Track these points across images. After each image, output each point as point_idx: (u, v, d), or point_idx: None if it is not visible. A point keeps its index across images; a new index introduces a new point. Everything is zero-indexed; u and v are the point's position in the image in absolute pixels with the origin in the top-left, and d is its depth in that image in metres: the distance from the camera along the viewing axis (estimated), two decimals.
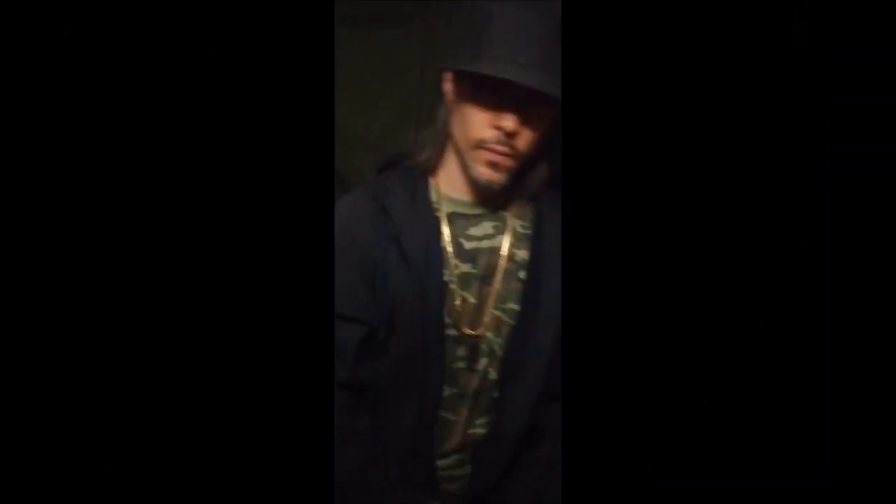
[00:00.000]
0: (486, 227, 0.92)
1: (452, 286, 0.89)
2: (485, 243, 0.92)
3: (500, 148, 0.84)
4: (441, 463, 0.92)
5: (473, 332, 0.89)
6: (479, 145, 0.85)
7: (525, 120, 0.84)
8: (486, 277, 0.91)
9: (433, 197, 0.93)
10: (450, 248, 0.90)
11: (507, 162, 0.86)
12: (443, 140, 0.91)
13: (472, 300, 0.90)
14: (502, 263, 0.91)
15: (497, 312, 0.90)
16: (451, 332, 0.89)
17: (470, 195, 0.93)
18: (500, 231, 0.92)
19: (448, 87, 0.89)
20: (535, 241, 0.92)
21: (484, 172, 0.86)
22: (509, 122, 0.82)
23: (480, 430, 0.92)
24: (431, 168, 0.94)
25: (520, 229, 0.93)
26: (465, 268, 0.90)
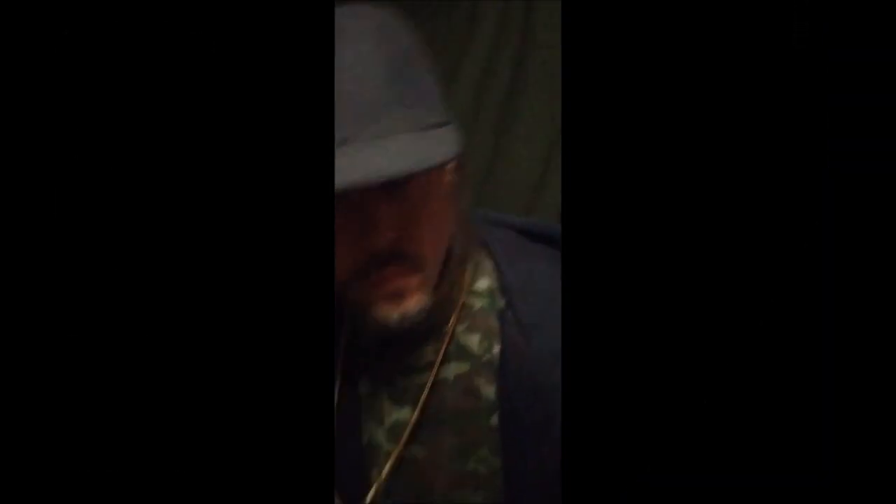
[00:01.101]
0: (429, 352, 0.66)
1: (378, 443, 0.64)
2: (430, 376, 0.65)
3: (388, 271, 0.61)
4: None
5: None
6: (354, 279, 0.62)
7: (401, 208, 0.60)
8: (442, 425, 0.65)
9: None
10: (370, 397, 0.66)
11: (412, 282, 0.62)
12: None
13: (423, 459, 0.64)
14: (460, 401, 0.65)
15: (471, 466, 0.64)
16: None
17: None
18: (448, 357, 0.65)
19: None
20: (503, 364, 0.64)
21: (386, 313, 0.62)
22: (378, 232, 0.59)
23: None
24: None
25: (480, 350, 0.66)
26: (402, 414, 0.65)
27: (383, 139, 0.57)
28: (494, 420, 0.63)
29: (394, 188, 0.59)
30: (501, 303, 0.66)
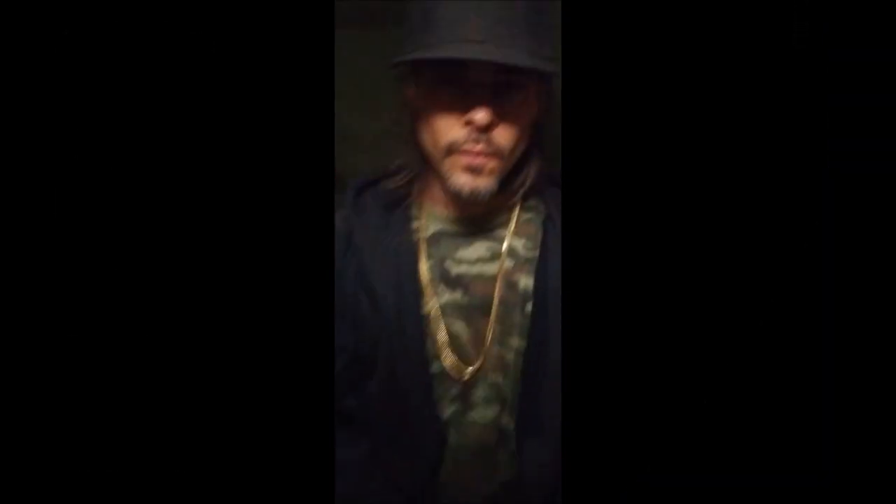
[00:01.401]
0: (478, 248, 0.78)
1: (435, 318, 0.76)
2: (477, 267, 0.78)
3: (476, 148, 0.71)
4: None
5: (466, 376, 0.75)
6: (452, 150, 0.72)
7: (500, 110, 0.71)
8: (483, 308, 0.77)
9: (414, 216, 0.80)
10: (429, 272, 0.77)
11: (489, 163, 0.72)
12: (418, 156, 0.78)
13: (464, 334, 0.77)
14: (500, 292, 0.77)
15: (499, 349, 0.77)
16: (438, 367, 0.76)
17: (457, 212, 0.79)
18: (495, 254, 0.78)
19: (408, 91, 0.76)
20: (540, 263, 0.77)
21: (464, 181, 0.72)
22: (481, 114, 0.69)
23: (500, 491, 0.79)
24: (413, 187, 0.81)
25: (522, 251, 0.79)
26: (454, 296, 0.77)
27: (512, 46, 0.68)
28: (528, 308, 0.76)
29: (503, 88, 0.71)
30: (544, 215, 0.80)
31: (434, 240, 0.79)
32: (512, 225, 0.79)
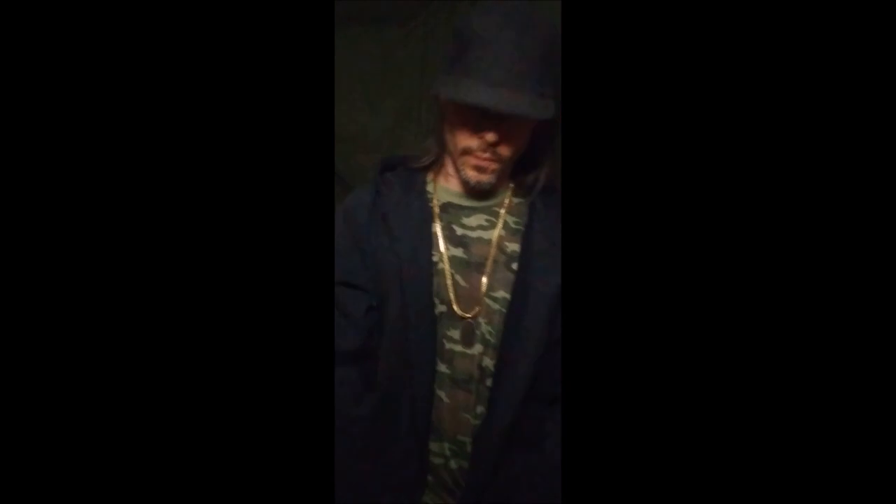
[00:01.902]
0: (479, 218, 0.99)
1: (442, 267, 0.96)
2: (476, 233, 0.98)
3: (484, 156, 0.93)
4: (434, 447, 0.96)
5: (467, 315, 0.95)
6: (466, 152, 0.94)
7: (506, 131, 0.92)
8: (478, 265, 0.97)
9: (430, 189, 1.01)
10: (440, 232, 0.97)
11: (493, 166, 0.94)
12: (440, 145, 1.00)
13: (463, 284, 0.96)
14: (493, 252, 0.97)
15: (488, 300, 0.95)
16: (442, 308, 0.95)
17: (464, 191, 1.00)
18: (492, 224, 0.99)
19: (443, 103, 0.95)
20: (526, 234, 0.98)
21: (471, 175, 0.95)
22: (490, 135, 0.91)
23: (475, 421, 0.94)
24: (430, 168, 1.02)
25: (512, 224, 0.99)
26: (456, 252, 0.97)
27: (518, 91, 0.88)
28: (514, 265, 0.96)
29: (510, 118, 0.91)
30: (530, 200, 1.01)
31: (444, 208, 1.00)
32: (505, 205, 1.01)
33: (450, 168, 1.00)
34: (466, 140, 0.93)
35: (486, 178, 0.95)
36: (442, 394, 0.95)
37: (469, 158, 0.94)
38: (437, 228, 0.97)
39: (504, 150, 0.93)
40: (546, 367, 0.94)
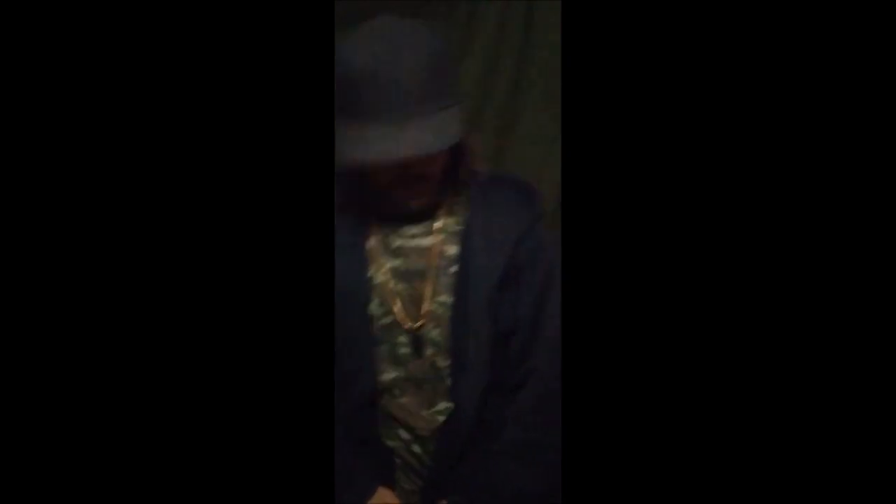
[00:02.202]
0: (415, 227, 0.98)
1: (381, 281, 0.96)
2: (414, 241, 0.98)
3: (407, 191, 0.91)
4: (390, 435, 0.99)
5: (413, 325, 0.96)
6: (389, 186, 0.91)
7: (424, 160, 0.87)
8: (420, 273, 0.97)
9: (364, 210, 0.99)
10: (376, 247, 0.97)
11: (425, 189, 0.92)
12: (356, 177, 0.96)
13: (407, 293, 0.97)
14: (432, 259, 0.97)
15: (432, 306, 0.96)
16: (387, 320, 0.96)
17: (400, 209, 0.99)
18: (429, 230, 0.98)
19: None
20: (465, 234, 0.98)
21: (412, 205, 0.94)
22: (403, 187, 0.89)
23: (439, 417, 0.97)
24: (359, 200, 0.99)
25: (452, 227, 0.99)
26: (395, 263, 0.97)
27: (401, 127, 0.84)
28: (453, 269, 0.96)
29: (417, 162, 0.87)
30: (470, 197, 1.00)
31: (382, 220, 0.98)
32: (444, 207, 0.99)
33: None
34: (384, 180, 0.90)
35: (425, 201, 0.94)
36: (401, 398, 0.97)
37: (399, 192, 0.92)
38: (374, 241, 0.97)
39: (430, 173, 0.91)
40: (499, 358, 0.97)
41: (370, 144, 0.84)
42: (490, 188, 1.00)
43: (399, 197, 0.93)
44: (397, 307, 0.96)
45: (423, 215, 0.98)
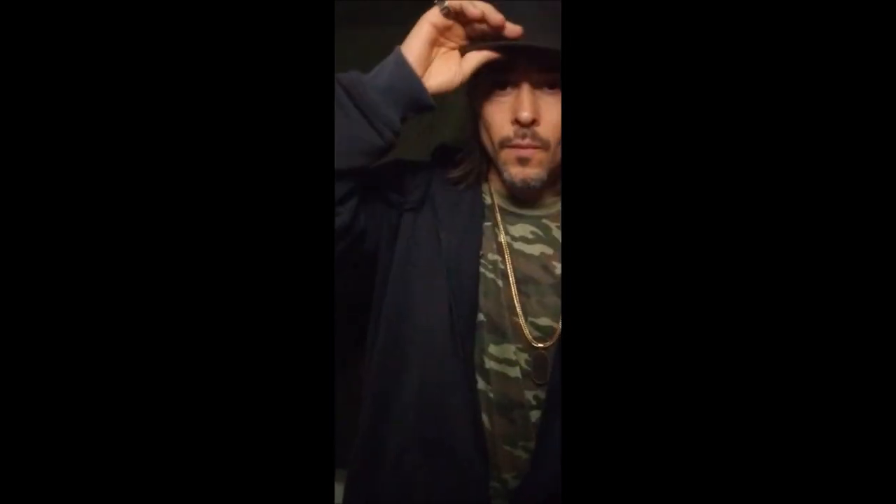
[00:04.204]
0: (523, 228, 0.89)
1: (482, 271, 0.87)
2: (518, 245, 0.88)
3: (524, 142, 0.83)
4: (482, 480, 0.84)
5: (539, 345, 0.84)
6: (504, 145, 0.84)
7: (543, 106, 0.82)
8: (518, 283, 0.87)
9: (484, 193, 0.92)
10: (486, 233, 0.88)
11: (537, 154, 0.83)
12: (478, 153, 0.90)
13: (500, 297, 0.86)
14: (536, 272, 0.87)
15: (525, 325, 0.86)
16: (481, 318, 0.85)
17: (511, 196, 0.91)
18: (537, 238, 0.89)
19: (469, 98, 0.88)
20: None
21: (516, 173, 0.84)
22: (525, 111, 0.81)
23: (525, 455, 0.85)
24: (479, 179, 0.92)
25: (555, 234, 0.89)
26: (497, 259, 0.88)
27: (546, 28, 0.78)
28: (558, 291, 0.85)
29: (542, 77, 0.82)
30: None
31: (492, 209, 0.90)
32: (559, 218, 0.89)
33: (494, 176, 0.91)
34: (501, 130, 0.83)
35: (533, 173, 0.84)
36: (484, 417, 0.85)
37: (508, 152, 0.84)
38: (485, 226, 0.88)
39: (544, 132, 0.82)
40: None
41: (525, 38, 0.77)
42: None
43: (513, 160, 0.83)
44: (494, 306, 0.84)
45: (532, 210, 0.88)
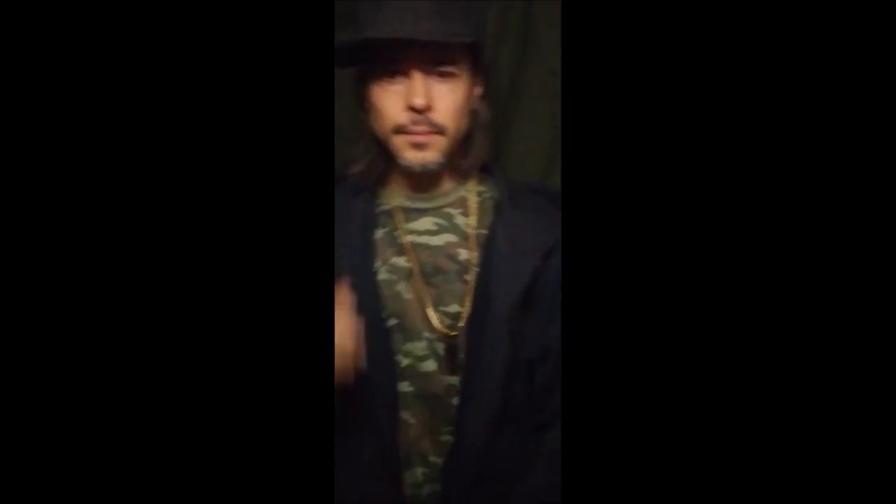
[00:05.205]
0: (427, 222, 0.90)
1: (384, 277, 0.87)
2: (423, 238, 0.89)
3: (418, 129, 0.83)
4: (407, 475, 0.87)
5: (450, 333, 0.85)
6: (398, 131, 0.84)
7: (436, 91, 0.83)
8: (428, 275, 0.88)
9: (377, 195, 0.92)
10: (381, 241, 0.89)
11: (433, 140, 0.84)
12: (374, 144, 0.89)
13: (407, 296, 0.87)
14: (442, 262, 0.88)
15: (435, 315, 0.87)
16: (392, 322, 0.87)
17: (414, 189, 0.91)
18: (442, 228, 0.90)
19: (359, 86, 0.87)
20: (488, 240, 0.88)
21: (412, 157, 0.84)
22: (418, 97, 0.81)
23: (445, 439, 0.87)
24: (373, 172, 0.92)
25: (466, 229, 0.90)
26: (399, 261, 0.88)
27: (444, 21, 0.79)
28: (467, 277, 0.87)
29: (447, 62, 0.83)
30: (496, 201, 0.91)
31: (392, 213, 0.91)
32: (462, 206, 0.90)
33: (393, 167, 0.90)
34: (394, 117, 0.83)
35: (430, 157, 0.84)
36: (407, 414, 0.86)
37: (402, 138, 0.84)
38: (379, 234, 0.89)
39: (440, 117, 0.83)
40: (519, 391, 0.86)
41: (381, 22, 0.78)
42: (518, 191, 0.92)
43: (408, 146, 0.83)
44: (402, 308, 0.86)
45: (433, 202, 0.89)
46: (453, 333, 0.86)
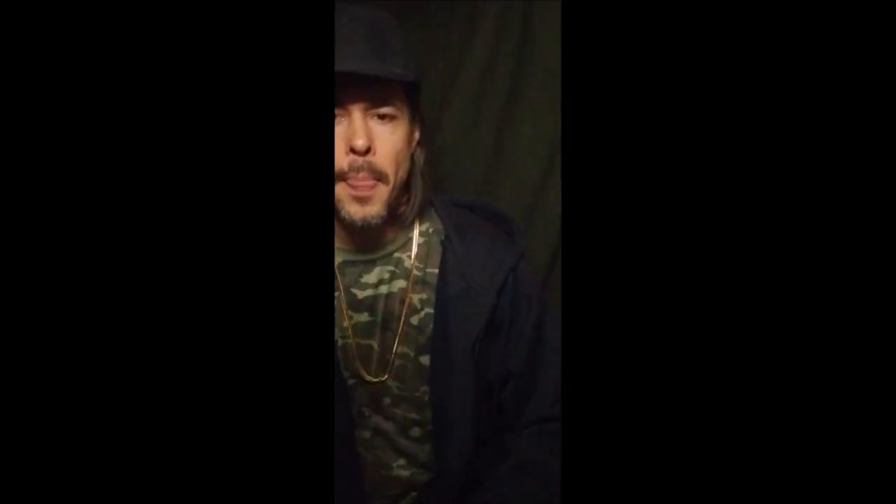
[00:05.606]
0: (379, 272, 0.90)
1: (347, 339, 0.88)
2: (381, 289, 0.90)
3: (359, 175, 0.81)
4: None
5: (374, 379, 0.89)
6: (339, 178, 0.82)
7: (377, 133, 0.82)
8: (387, 323, 0.90)
9: None
10: (344, 299, 0.88)
11: (375, 192, 0.83)
12: None
13: (377, 348, 0.89)
14: (399, 308, 0.89)
15: (397, 359, 0.89)
16: (351, 381, 0.89)
17: (356, 241, 0.90)
18: (394, 276, 0.90)
19: None
20: (440, 281, 0.89)
21: (354, 211, 0.83)
22: (359, 138, 0.80)
23: (422, 477, 0.92)
24: None
25: (416, 272, 0.91)
26: (362, 317, 0.89)
27: (384, 59, 0.80)
28: (421, 320, 0.88)
29: (373, 108, 0.82)
30: (442, 236, 0.91)
31: (340, 270, 0.89)
32: (409, 248, 0.90)
33: (338, 224, 0.88)
34: (336, 162, 0.81)
35: (373, 211, 0.83)
36: (368, 455, 0.91)
37: (345, 189, 0.82)
38: (340, 294, 0.88)
39: (382, 163, 0.82)
40: (486, 410, 0.90)
41: (344, 59, 0.77)
42: (462, 220, 0.92)
43: (350, 198, 0.82)
44: (360, 364, 0.89)
45: (381, 252, 0.89)
46: (374, 380, 0.89)
